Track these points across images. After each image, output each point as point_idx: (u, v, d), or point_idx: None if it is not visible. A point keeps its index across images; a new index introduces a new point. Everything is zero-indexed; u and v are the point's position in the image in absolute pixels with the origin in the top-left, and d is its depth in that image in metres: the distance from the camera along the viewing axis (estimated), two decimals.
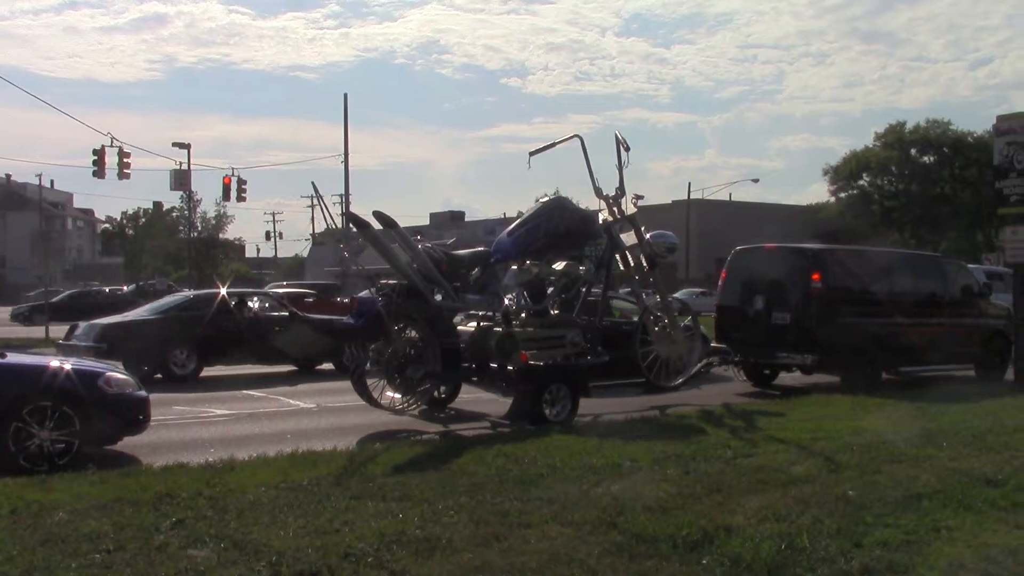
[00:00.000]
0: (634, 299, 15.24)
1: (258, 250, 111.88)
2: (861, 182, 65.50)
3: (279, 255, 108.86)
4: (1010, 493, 7.40)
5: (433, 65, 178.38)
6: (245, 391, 15.71)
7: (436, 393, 12.84)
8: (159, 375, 17.07)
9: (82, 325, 19.01)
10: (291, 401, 14.48)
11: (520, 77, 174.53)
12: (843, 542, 6.09)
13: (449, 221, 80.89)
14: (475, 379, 12.83)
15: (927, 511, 6.87)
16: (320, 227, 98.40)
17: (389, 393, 12.15)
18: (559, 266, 13.43)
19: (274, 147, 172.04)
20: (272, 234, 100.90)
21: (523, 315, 12.95)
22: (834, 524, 6.46)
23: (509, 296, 13.09)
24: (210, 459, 8.90)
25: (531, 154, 14.08)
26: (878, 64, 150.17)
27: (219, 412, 13.34)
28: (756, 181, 63.98)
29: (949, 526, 6.51)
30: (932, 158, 64.37)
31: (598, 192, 13.70)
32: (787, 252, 16.99)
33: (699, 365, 14.69)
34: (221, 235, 66.37)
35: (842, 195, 65.90)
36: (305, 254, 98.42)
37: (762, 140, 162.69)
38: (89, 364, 10.32)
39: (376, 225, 11.58)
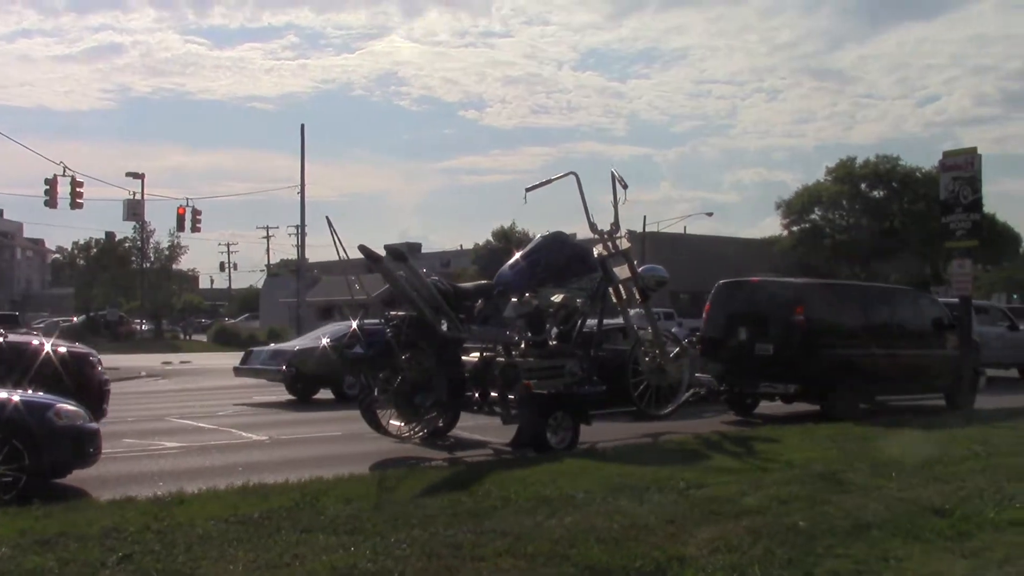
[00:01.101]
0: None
1: (212, 281, 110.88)
2: (813, 216, 66.42)
3: (233, 286, 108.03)
4: (957, 523, 7.49)
5: (391, 97, 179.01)
6: (196, 423, 15.51)
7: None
8: (332, 395, 19.71)
9: (263, 351, 21.54)
10: (243, 433, 14.30)
11: (478, 109, 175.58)
12: (794, 572, 6.13)
13: (406, 252, 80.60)
14: (476, 408, 13.06)
15: (876, 541, 6.94)
16: (276, 258, 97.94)
17: (394, 422, 12.55)
18: (557, 298, 13.75)
19: (230, 178, 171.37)
20: (227, 265, 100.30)
21: (523, 345, 13.25)
22: (785, 554, 6.50)
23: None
24: (159, 492, 8.77)
25: (527, 190, 14.46)
26: (829, 101, 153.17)
27: (169, 445, 13.14)
28: (710, 215, 65.04)
29: (898, 556, 6.57)
30: (881, 193, 65.50)
31: (593, 227, 14.15)
32: (771, 285, 17.63)
33: (687, 395, 15.03)
34: (175, 266, 65.58)
35: (794, 229, 66.72)
36: (260, 285, 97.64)
37: (716, 174, 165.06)
38: (38, 396, 10.11)
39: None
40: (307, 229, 51.64)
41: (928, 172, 58.63)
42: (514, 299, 13.45)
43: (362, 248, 12.09)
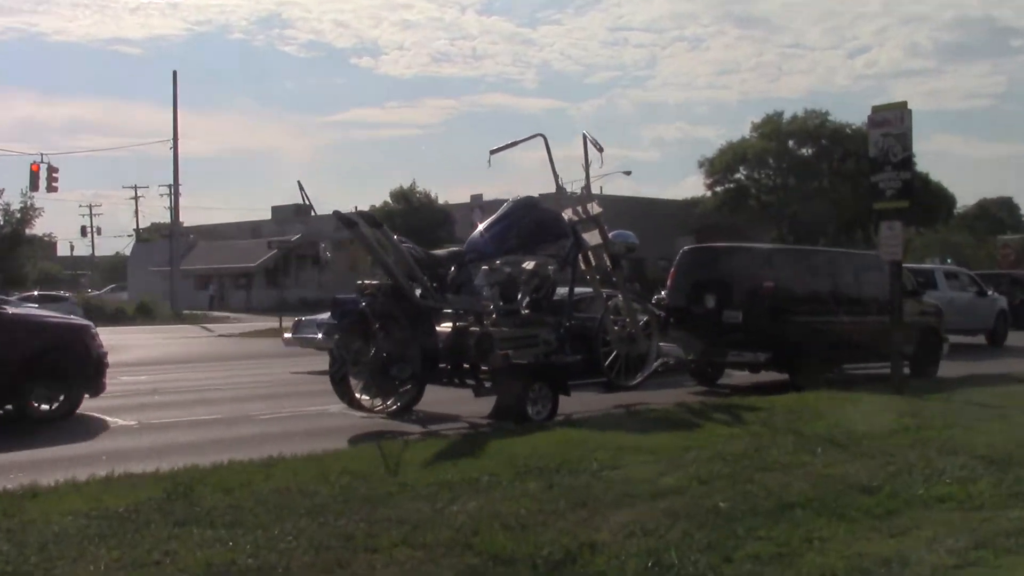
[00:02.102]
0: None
1: (72, 248, 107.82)
2: (738, 175, 67.40)
3: (97, 253, 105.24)
4: (884, 500, 7.75)
5: (275, 41, 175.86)
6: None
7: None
8: None
9: (314, 320, 22.32)
10: (108, 418, 13.98)
11: (372, 57, 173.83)
12: (713, 557, 6.26)
13: (294, 215, 79.04)
14: (446, 381, 13.44)
15: (800, 521, 7.12)
16: (145, 222, 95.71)
17: (364, 395, 12.93)
18: (529, 265, 14.20)
19: (91, 130, 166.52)
20: (89, 229, 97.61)
21: (495, 314, 13.66)
22: (704, 538, 6.64)
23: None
24: (9, 486, 8.51)
25: (492, 152, 14.91)
26: (754, 51, 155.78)
27: (23, 431, 12.76)
28: (628, 174, 65.33)
29: (822, 536, 6.76)
30: (810, 150, 66.78)
31: (561, 191, 14.79)
32: (738, 251, 18.78)
33: (655, 364, 15.63)
34: (28, 230, 63.36)
35: (718, 189, 67.62)
36: (128, 252, 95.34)
37: (635, 129, 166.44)
38: None
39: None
40: (181, 188, 50.56)
41: (858, 128, 59.88)
42: (485, 267, 13.93)
43: (338, 214, 12.58)
